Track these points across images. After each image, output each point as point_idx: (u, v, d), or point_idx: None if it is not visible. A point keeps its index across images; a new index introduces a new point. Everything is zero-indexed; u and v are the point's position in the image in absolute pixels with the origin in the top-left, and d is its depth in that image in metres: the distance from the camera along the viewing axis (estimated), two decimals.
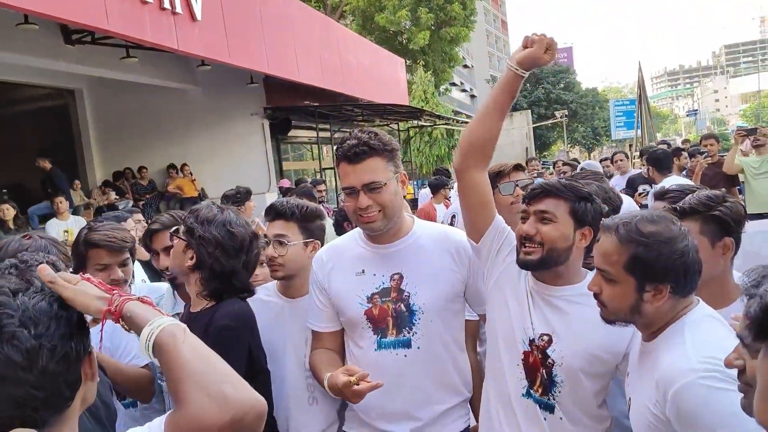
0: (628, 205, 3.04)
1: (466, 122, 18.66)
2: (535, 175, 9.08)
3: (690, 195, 2.08)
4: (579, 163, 9.48)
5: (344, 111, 15.30)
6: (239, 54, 9.93)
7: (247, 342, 2.08)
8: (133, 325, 1.12)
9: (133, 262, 2.77)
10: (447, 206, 7.53)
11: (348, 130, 14.81)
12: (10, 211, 8.11)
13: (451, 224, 4.42)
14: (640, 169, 7.81)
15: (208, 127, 13.25)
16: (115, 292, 1.15)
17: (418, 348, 2.15)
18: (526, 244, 1.96)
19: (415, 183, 18.04)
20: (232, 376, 1.09)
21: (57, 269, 1.10)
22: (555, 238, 1.93)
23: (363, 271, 2.19)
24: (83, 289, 1.11)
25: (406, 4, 28.04)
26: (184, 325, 1.13)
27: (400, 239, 2.20)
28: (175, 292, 2.81)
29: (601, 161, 10.11)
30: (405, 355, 2.15)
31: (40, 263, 1.09)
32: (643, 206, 5.86)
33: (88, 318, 1.13)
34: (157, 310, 1.15)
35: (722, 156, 8.26)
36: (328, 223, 3.20)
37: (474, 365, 2.35)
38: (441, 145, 26.29)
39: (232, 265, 2.11)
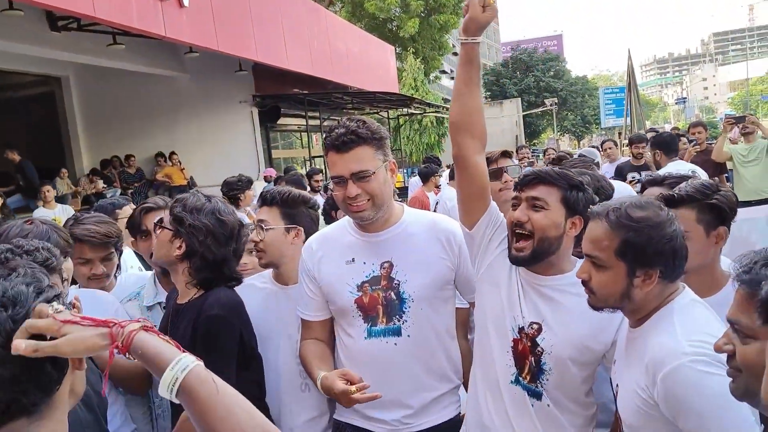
0: (623, 190, 3.03)
1: None
2: (526, 164, 9.08)
3: (684, 183, 2.08)
4: (570, 156, 9.48)
5: (334, 99, 15.26)
6: (227, 41, 9.85)
7: (238, 329, 2.08)
8: (147, 363, 1.08)
9: (120, 254, 2.74)
10: (437, 193, 7.53)
11: (337, 117, 14.73)
12: None
13: (434, 212, 4.43)
14: (629, 157, 7.82)
15: (196, 115, 13.17)
16: (112, 324, 1.08)
17: (409, 336, 2.15)
18: (517, 231, 1.96)
19: (404, 171, 18.04)
20: (267, 426, 1.09)
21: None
22: (546, 226, 1.93)
23: (353, 260, 2.19)
24: (74, 337, 1.03)
25: None
26: (202, 367, 1.09)
27: (389, 227, 2.20)
28: (157, 280, 2.78)
29: (591, 147, 10.12)
30: (395, 343, 2.15)
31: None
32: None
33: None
34: (166, 340, 1.12)
35: (710, 144, 8.30)
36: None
37: (465, 353, 2.35)
38: (431, 133, 26.25)
39: (223, 254, 2.11)
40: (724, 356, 1.30)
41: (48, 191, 8.63)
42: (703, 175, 4.54)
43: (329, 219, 3.73)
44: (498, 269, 2.07)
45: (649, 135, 8.79)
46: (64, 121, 12.97)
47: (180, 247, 2.09)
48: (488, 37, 72.34)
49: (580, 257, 2.07)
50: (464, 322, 2.48)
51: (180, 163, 12.62)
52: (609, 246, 1.66)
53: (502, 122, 29.12)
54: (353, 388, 1.91)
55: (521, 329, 2.00)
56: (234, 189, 6.04)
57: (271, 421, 1.40)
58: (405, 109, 20.37)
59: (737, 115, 9.20)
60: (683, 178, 2.32)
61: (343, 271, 2.19)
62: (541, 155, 15.17)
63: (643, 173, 6.96)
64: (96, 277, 2.53)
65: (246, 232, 2.50)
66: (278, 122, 14.85)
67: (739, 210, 2.09)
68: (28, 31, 8.73)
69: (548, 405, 1.98)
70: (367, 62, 16.97)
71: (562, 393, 1.99)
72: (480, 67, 2.05)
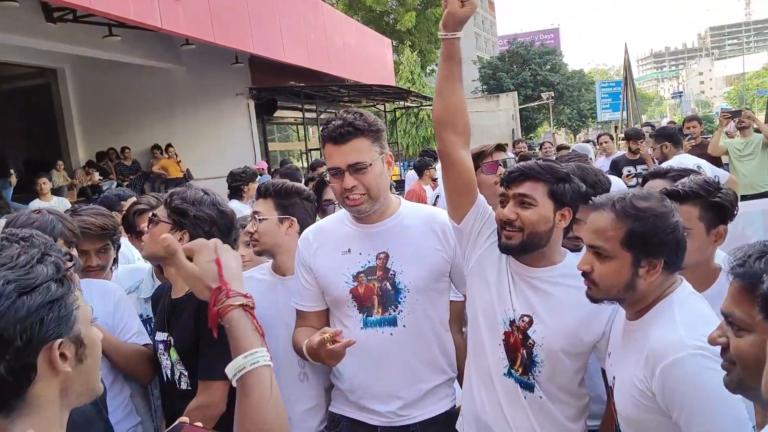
0: (616, 184, 3.05)
1: None
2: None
3: (687, 178, 2.08)
4: (569, 149, 9.49)
5: (330, 92, 15.22)
6: (224, 33, 9.81)
7: None
8: (230, 339, 1.21)
9: (118, 247, 2.74)
10: (434, 187, 7.52)
11: (334, 110, 14.71)
12: None
13: (434, 205, 4.41)
14: (624, 151, 7.82)
15: (192, 107, 13.12)
16: (222, 288, 1.23)
17: (404, 326, 2.16)
18: (507, 228, 1.96)
19: (401, 165, 18.00)
20: None
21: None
22: (535, 222, 1.93)
23: (349, 250, 2.20)
24: (194, 270, 1.24)
25: None
26: (269, 369, 1.22)
27: (386, 219, 2.21)
28: (154, 274, 2.79)
29: (585, 142, 10.13)
30: (391, 334, 2.16)
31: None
32: (631, 188, 5.87)
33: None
34: (256, 326, 1.23)
35: (705, 138, 8.31)
36: None
37: (460, 345, 2.36)
38: (427, 127, 26.19)
39: (227, 243, 2.12)
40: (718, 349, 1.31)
41: (44, 183, 8.62)
42: (707, 169, 4.56)
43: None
44: (488, 262, 2.08)
45: (645, 129, 8.81)
46: (60, 113, 12.90)
47: (181, 239, 2.09)
48: (485, 30, 72.17)
49: (569, 249, 2.09)
50: (459, 315, 2.48)
51: (176, 156, 12.59)
52: (614, 236, 1.66)
53: (499, 116, 29.03)
54: (327, 336, 1.93)
55: (512, 322, 2.01)
56: (238, 180, 6.07)
57: None
58: (402, 103, 20.32)
59: (733, 110, 9.22)
60: (685, 171, 2.33)
61: (338, 262, 2.20)
62: (537, 149, 15.14)
63: (639, 167, 6.98)
64: (91, 269, 2.51)
65: (243, 223, 2.51)
66: (275, 115, 14.81)
67: None
68: (23, 23, 8.68)
69: (541, 397, 1.99)
70: (363, 55, 16.92)
71: (555, 384, 2.00)
72: (461, 63, 2.04)
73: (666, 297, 1.69)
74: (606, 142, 8.76)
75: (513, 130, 28.35)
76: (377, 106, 19.27)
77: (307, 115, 14.57)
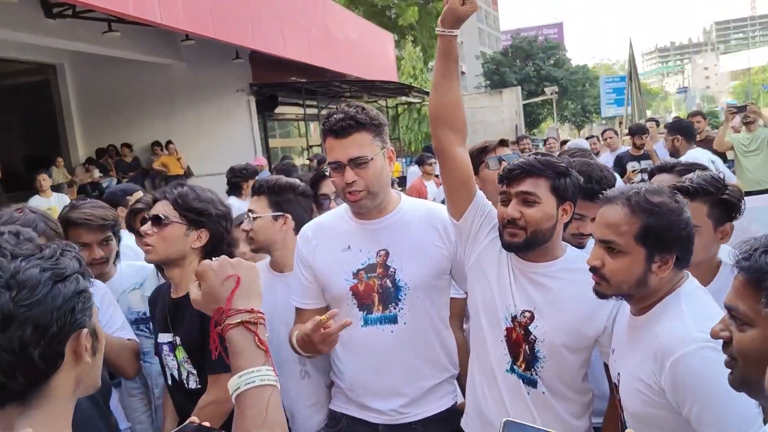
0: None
1: None
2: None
3: (694, 174, 2.05)
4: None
5: (331, 87, 15.17)
6: (224, 28, 9.76)
7: None
8: (230, 356, 1.21)
9: (119, 240, 2.74)
10: (438, 183, 7.48)
11: (335, 106, 14.68)
12: None
13: (443, 203, 4.35)
14: (629, 146, 7.79)
15: (193, 104, 13.09)
16: (224, 308, 1.22)
17: (405, 324, 2.15)
18: (510, 227, 1.94)
19: (403, 160, 17.97)
20: None
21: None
22: (539, 220, 1.91)
23: (349, 247, 2.19)
24: (213, 291, 1.25)
25: None
26: (266, 390, 1.19)
27: (386, 215, 2.20)
28: (158, 272, 2.77)
29: (587, 138, 10.09)
30: (392, 331, 2.15)
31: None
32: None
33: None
34: (258, 343, 1.21)
35: (709, 134, 8.27)
36: None
37: (461, 343, 2.35)
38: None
39: (233, 238, 2.27)
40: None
41: (44, 180, 8.62)
42: (720, 165, 4.50)
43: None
44: (488, 258, 2.06)
45: (648, 124, 8.77)
46: (59, 110, 12.88)
47: (199, 238, 2.13)
48: (488, 25, 72.15)
49: (564, 239, 2.07)
50: (460, 313, 2.47)
51: (177, 152, 12.55)
52: (628, 231, 1.63)
53: (502, 111, 28.96)
54: (323, 317, 1.89)
55: (514, 318, 2.00)
56: (237, 176, 6.06)
57: None
58: (404, 98, 20.28)
59: (739, 105, 9.18)
60: (693, 165, 2.30)
61: (338, 259, 2.19)
62: (540, 144, 15.09)
63: (643, 162, 6.94)
64: (96, 262, 2.54)
65: (241, 221, 2.51)
66: (275, 111, 14.77)
67: None
68: (22, 19, 8.66)
69: (544, 392, 1.98)
70: (365, 50, 16.87)
71: (558, 380, 1.99)
72: (458, 60, 2.02)
73: (673, 292, 1.68)
74: (610, 138, 8.75)
75: (516, 125, 28.29)
76: (379, 102, 19.22)
77: (309, 111, 14.54)
